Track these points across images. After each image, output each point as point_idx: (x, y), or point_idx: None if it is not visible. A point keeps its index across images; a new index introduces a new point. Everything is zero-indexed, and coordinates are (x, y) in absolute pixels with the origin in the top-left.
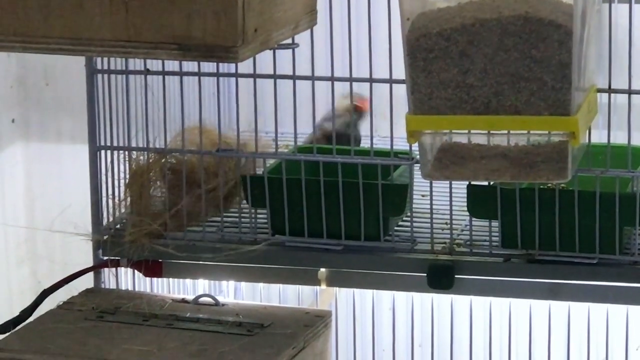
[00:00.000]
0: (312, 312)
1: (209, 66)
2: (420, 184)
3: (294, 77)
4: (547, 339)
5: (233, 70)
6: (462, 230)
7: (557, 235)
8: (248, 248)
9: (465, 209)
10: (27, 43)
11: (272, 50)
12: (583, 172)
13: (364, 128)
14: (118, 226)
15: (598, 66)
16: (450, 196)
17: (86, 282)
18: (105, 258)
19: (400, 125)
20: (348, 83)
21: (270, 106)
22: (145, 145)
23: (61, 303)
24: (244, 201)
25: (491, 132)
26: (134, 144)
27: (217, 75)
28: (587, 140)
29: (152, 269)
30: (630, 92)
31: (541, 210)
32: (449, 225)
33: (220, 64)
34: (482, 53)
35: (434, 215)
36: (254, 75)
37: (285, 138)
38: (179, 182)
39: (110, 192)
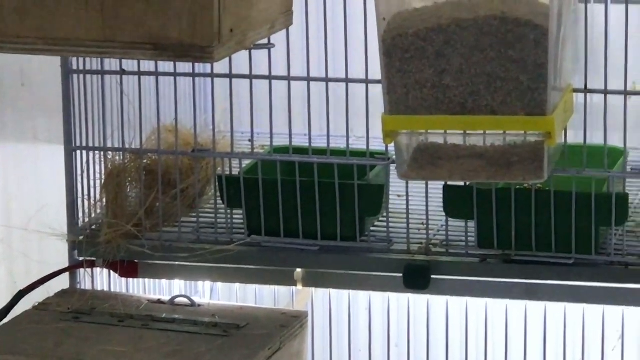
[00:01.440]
0: (288, 313)
1: (184, 66)
2: (396, 184)
3: (270, 78)
4: (523, 339)
5: (209, 71)
6: (439, 231)
7: (533, 236)
8: (224, 248)
9: (442, 209)
10: (2, 43)
11: (248, 51)
12: (559, 172)
13: (338, 128)
14: (94, 227)
15: (574, 66)
16: (427, 196)
17: (62, 282)
18: (81, 259)
19: (376, 126)
20: (324, 83)
21: (246, 106)
22: (120, 146)
23: (37, 304)
24: (220, 201)
25: (467, 132)
26: (109, 145)
27: (193, 75)
28: (563, 141)
29: (128, 269)
30: (606, 92)
31: (517, 211)
32: (425, 226)
33: (196, 64)
34: (458, 53)
35: (410, 216)
36: (230, 76)
37: (261, 138)
38: (154, 183)
39: (86, 192)
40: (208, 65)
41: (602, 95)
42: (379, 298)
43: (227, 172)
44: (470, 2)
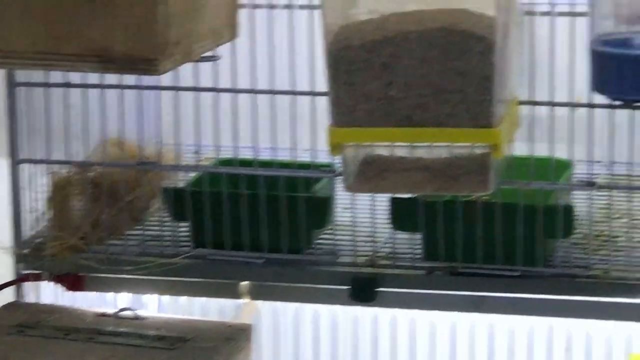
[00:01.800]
0: (234, 326)
1: (130, 78)
2: (342, 196)
3: (215, 90)
4: (470, 352)
5: (155, 83)
6: (385, 243)
7: (479, 248)
8: (169, 261)
9: (388, 221)
10: None
11: (193, 63)
12: (506, 185)
13: (284, 141)
14: (39, 240)
15: (520, 78)
16: (373, 209)
17: (7, 296)
18: (27, 272)
19: (322, 138)
20: (270, 95)
21: (192, 119)
22: (66, 159)
23: None
24: (166, 214)
25: (414, 144)
26: (55, 157)
27: (139, 87)
28: (509, 153)
29: (74, 282)
30: (552, 104)
31: (464, 223)
32: (371, 238)
33: (142, 76)
34: (404, 65)
35: (357, 228)
36: (176, 88)
37: (207, 151)
38: (100, 196)
39: (31, 205)
40: (154, 78)
41: (548, 107)
42: (325, 311)
43: (173, 185)
44: (417, 14)
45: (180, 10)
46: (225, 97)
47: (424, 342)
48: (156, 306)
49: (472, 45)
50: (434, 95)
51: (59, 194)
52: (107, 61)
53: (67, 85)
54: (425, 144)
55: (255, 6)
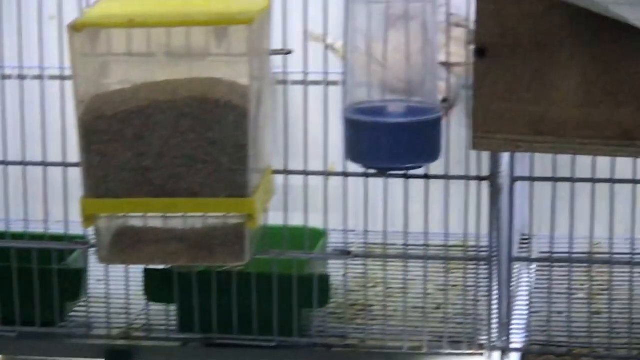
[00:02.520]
0: None
1: None
2: (96, 268)
3: None
4: None
5: None
6: (139, 315)
7: (235, 318)
8: None
9: (143, 293)
10: None
11: None
12: (261, 254)
13: (36, 212)
14: None
15: (274, 147)
16: (127, 280)
17: None
18: None
19: (75, 209)
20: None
21: None
22: None
23: None
24: None
25: (168, 215)
26: None
27: None
28: (264, 222)
29: None
30: (306, 173)
31: (218, 293)
32: (125, 310)
33: None
34: (157, 135)
35: (111, 300)
36: None
37: None
38: None
39: None
40: None
41: (302, 176)
42: None
43: None
44: (170, 83)
45: None
46: None
47: None
48: None
49: (225, 114)
50: (187, 165)
51: None
52: None
53: None
54: (180, 214)
55: (5, 77)
